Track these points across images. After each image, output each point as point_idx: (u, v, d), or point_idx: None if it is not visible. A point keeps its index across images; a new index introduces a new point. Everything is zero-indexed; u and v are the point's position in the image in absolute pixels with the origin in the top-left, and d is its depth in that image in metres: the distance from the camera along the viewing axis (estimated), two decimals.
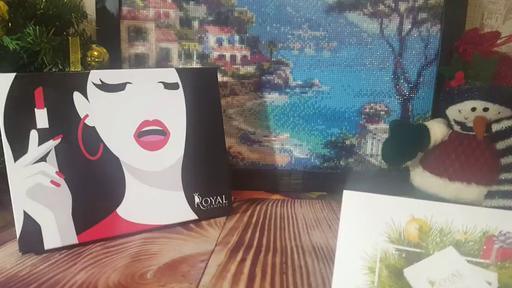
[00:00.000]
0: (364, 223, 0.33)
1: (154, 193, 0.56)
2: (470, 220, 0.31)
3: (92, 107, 0.53)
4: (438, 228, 0.31)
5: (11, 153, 0.48)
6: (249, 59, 0.74)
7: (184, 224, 0.58)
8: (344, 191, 0.34)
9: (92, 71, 0.54)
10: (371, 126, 0.75)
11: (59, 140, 0.51)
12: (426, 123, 0.68)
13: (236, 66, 0.74)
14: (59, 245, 0.49)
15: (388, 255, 0.32)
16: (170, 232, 0.56)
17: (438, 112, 0.70)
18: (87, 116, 0.53)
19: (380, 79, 0.74)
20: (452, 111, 0.64)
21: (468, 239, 0.31)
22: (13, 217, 0.48)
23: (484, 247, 0.30)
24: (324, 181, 0.76)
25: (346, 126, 0.76)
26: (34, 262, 0.47)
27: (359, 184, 0.73)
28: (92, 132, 0.53)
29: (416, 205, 0.32)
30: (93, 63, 0.62)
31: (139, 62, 0.74)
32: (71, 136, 0.52)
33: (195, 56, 0.74)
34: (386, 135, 0.75)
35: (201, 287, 0.42)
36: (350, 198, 0.33)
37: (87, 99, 0.53)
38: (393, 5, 0.72)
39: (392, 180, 0.74)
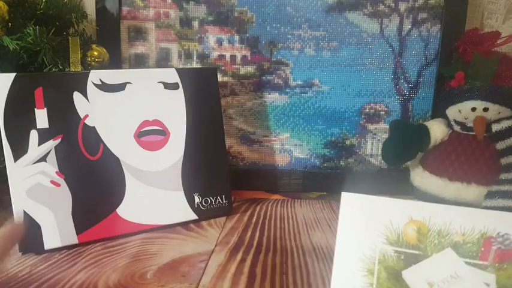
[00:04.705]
0: (362, 225, 0.33)
1: (154, 193, 0.56)
2: (468, 221, 0.31)
3: (92, 107, 0.53)
4: (436, 229, 0.31)
5: (11, 153, 0.48)
6: (249, 59, 0.74)
7: (184, 224, 0.58)
8: (342, 193, 0.34)
9: (92, 71, 0.54)
10: (371, 126, 0.75)
11: (59, 140, 0.51)
12: (426, 123, 0.68)
13: (236, 66, 0.74)
14: (59, 245, 0.50)
15: (387, 257, 0.32)
16: (170, 232, 0.56)
17: (438, 112, 0.70)
18: (87, 116, 0.53)
19: (380, 79, 0.74)
20: (452, 111, 0.64)
21: (466, 240, 0.31)
22: (13, 217, 0.48)
23: (482, 249, 0.30)
24: (324, 181, 0.76)
25: (346, 126, 0.75)
26: (34, 262, 0.47)
27: (359, 184, 0.73)
28: (92, 132, 0.53)
29: (415, 207, 0.32)
30: (93, 63, 0.62)
31: (139, 62, 0.74)
32: (71, 136, 0.52)
33: (195, 56, 0.74)
34: (386, 135, 0.75)
35: (201, 287, 0.42)
36: (348, 200, 0.33)
37: (87, 99, 0.53)
38: (393, 5, 0.72)
39: (393, 180, 0.74)
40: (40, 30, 0.55)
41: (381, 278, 0.31)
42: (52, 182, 0.50)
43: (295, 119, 0.76)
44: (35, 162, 0.49)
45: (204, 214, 0.60)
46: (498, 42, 0.62)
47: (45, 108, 0.50)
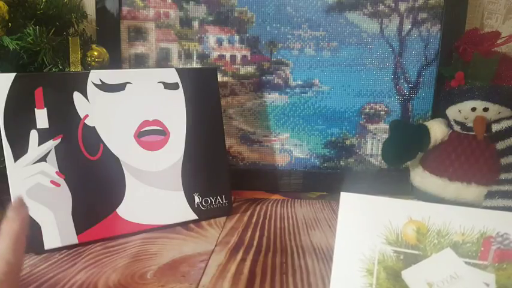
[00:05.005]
0: (361, 225, 0.33)
1: (154, 193, 0.56)
2: (467, 221, 0.31)
3: (92, 107, 0.53)
4: (436, 229, 0.31)
5: (11, 153, 0.48)
6: (249, 59, 0.74)
7: (184, 224, 0.58)
8: (341, 193, 0.34)
9: (92, 71, 0.54)
10: (371, 126, 0.75)
11: (59, 140, 0.51)
12: (426, 123, 0.68)
13: (236, 66, 0.74)
14: (59, 245, 0.50)
15: (386, 257, 0.32)
16: (170, 232, 0.56)
17: (438, 112, 0.70)
18: (87, 116, 0.53)
19: (380, 79, 0.74)
20: (452, 111, 0.64)
21: (466, 240, 0.31)
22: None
23: (482, 248, 0.30)
24: (324, 181, 0.76)
25: (346, 126, 0.75)
26: (34, 262, 0.47)
27: (359, 184, 0.73)
28: (92, 132, 0.53)
29: (414, 207, 0.32)
30: (93, 63, 0.62)
31: (139, 62, 0.74)
32: (71, 136, 0.52)
33: (195, 56, 0.74)
34: (386, 135, 0.75)
35: (201, 287, 0.42)
36: (347, 200, 0.33)
37: (87, 99, 0.53)
38: (393, 5, 0.71)
39: (393, 180, 0.74)
40: (40, 30, 0.55)
41: (380, 279, 0.31)
42: (52, 182, 0.50)
43: (295, 119, 0.76)
44: (35, 162, 0.49)
45: (204, 214, 0.60)
46: (498, 42, 0.62)
47: (45, 108, 0.50)
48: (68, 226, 0.50)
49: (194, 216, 0.59)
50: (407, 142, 0.67)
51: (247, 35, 0.73)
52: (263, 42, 0.73)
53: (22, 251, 0.31)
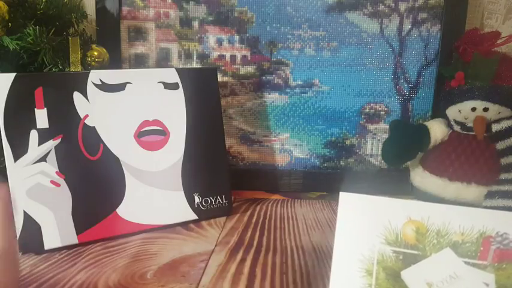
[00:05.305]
0: (361, 225, 0.33)
1: (154, 193, 0.56)
2: (467, 221, 0.31)
3: (92, 107, 0.53)
4: (435, 229, 0.31)
5: (11, 153, 0.48)
6: (249, 59, 0.74)
7: (184, 224, 0.58)
8: (340, 193, 0.34)
9: (92, 71, 0.54)
10: (371, 126, 0.75)
11: (59, 140, 0.51)
12: (426, 123, 0.68)
13: (236, 66, 0.74)
14: (59, 245, 0.50)
15: (385, 257, 0.32)
16: (170, 232, 0.56)
17: (438, 112, 0.70)
18: (87, 116, 0.53)
19: (380, 79, 0.74)
20: (452, 111, 0.64)
21: (465, 240, 0.31)
22: (13, 217, 0.48)
23: (481, 248, 0.30)
24: (324, 181, 0.76)
25: (346, 126, 0.75)
26: (34, 262, 0.47)
27: (359, 184, 0.73)
28: (92, 132, 0.53)
29: (413, 207, 0.32)
30: (93, 63, 0.62)
31: (139, 62, 0.74)
32: (71, 136, 0.52)
33: (195, 56, 0.74)
34: (386, 135, 0.75)
35: (201, 287, 0.42)
36: (346, 200, 0.33)
37: (87, 99, 0.53)
38: (393, 5, 0.71)
39: (393, 180, 0.74)
40: (40, 30, 0.55)
41: (379, 279, 0.31)
42: (52, 182, 0.50)
43: (295, 119, 0.76)
44: (35, 162, 0.49)
45: (204, 214, 0.60)
46: (498, 42, 0.62)
47: (45, 108, 0.50)
48: (68, 226, 0.50)
49: (194, 216, 0.59)
50: (407, 142, 0.67)
51: (247, 35, 0.73)
52: (263, 42, 0.73)
53: (12, 235, 0.29)
